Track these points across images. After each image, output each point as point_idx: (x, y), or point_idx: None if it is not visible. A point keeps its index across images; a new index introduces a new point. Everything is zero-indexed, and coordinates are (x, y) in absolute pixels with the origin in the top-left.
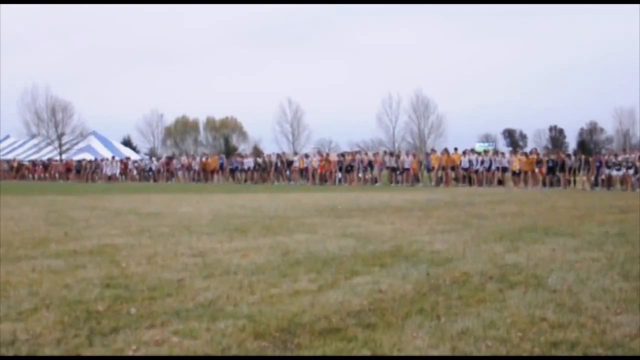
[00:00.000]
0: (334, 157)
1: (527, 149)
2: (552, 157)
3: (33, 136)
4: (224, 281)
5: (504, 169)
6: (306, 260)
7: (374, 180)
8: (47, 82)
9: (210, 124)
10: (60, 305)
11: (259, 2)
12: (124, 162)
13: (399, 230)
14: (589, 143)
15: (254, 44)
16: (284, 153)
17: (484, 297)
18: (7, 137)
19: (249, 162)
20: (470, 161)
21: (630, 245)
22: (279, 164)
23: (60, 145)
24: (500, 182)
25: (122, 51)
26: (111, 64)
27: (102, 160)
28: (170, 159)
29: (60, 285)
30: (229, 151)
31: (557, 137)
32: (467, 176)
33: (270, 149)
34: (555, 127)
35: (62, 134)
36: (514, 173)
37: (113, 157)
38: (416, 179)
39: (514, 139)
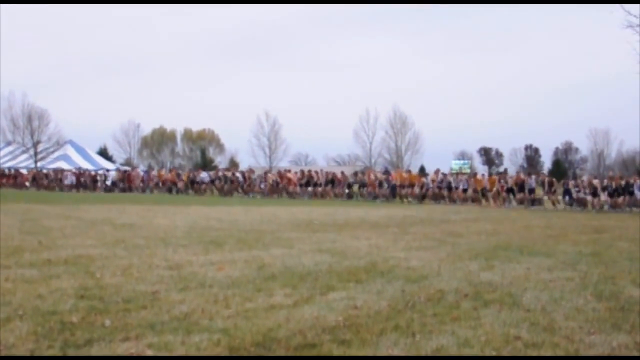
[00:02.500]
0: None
1: (502, 168)
2: (511, 178)
3: (8, 143)
4: (199, 294)
5: (464, 190)
6: (282, 275)
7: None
8: (23, 89)
9: (188, 135)
10: (34, 316)
11: (237, 13)
12: (79, 173)
13: (375, 246)
14: (563, 162)
15: (232, 57)
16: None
17: (459, 315)
18: None
19: (204, 177)
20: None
21: (603, 266)
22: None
23: (36, 154)
24: (474, 200)
25: (99, 60)
26: (88, 73)
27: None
28: (126, 172)
29: (33, 295)
30: (206, 163)
31: (532, 156)
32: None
33: (247, 161)
34: (530, 146)
35: (38, 142)
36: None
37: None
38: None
39: (489, 157)
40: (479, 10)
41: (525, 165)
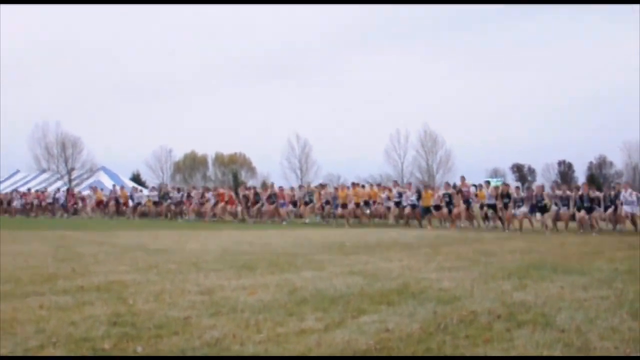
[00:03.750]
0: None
1: (536, 184)
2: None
3: (43, 171)
4: (230, 319)
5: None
6: (313, 298)
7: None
8: (57, 117)
9: (219, 159)
10: (67, 343)
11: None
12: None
13: (407, 267)
14: (598, 177)
15: (262, 80)
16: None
17: (492, 337)
18: (17, 172)
19: (139, 197)
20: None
21: (639, 283)
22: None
23: (70, 181)
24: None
25: (130, 87)
26: (120, 100)
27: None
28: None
29: (67, 322)
30: (238, 187)
31: (566, 171)
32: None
33: (279, 184)
34: (564, 161)
35: (72, 169)
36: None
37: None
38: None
39: (522, 173)
40: (505, 24)
41: (559, 181)
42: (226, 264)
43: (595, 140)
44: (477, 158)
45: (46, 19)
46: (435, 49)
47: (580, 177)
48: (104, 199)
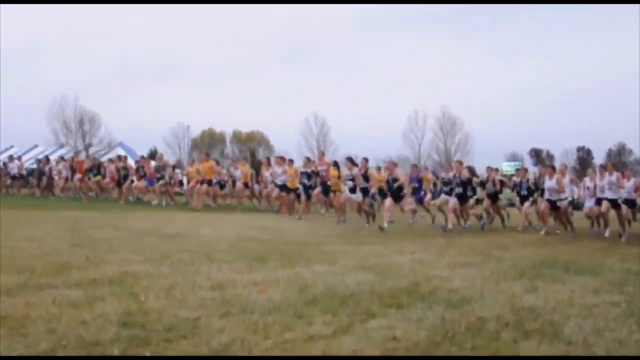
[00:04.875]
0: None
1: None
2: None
3: (61, 146)
4: (240, 321)
5: None
6: (323, 297)
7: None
8: (75, 92)
9: (237, 136)
10: (77, 347)
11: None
12: None
13: (419, 261)
14: (617, 164)
15: (281, 59)
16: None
17: (498, 349)
18: (36, 146)
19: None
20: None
21: None
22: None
23: (88, 156)
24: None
25: (148, 63)
26: (138, 76)
27: None
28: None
29: (78, 322)
30: (255, 164)
31: (584, 157)
32: None
33: (296, 163)
34: (583, 147)
35: (90, 145)
36: None
37: None
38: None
39: (540, 158)
40: (527, 9)
41: (577, 167)
42: (239, 255)
43: (615, 126)
44: (495, 142)
45: None
46: (456, 31)
47: (599, 163)
48: None
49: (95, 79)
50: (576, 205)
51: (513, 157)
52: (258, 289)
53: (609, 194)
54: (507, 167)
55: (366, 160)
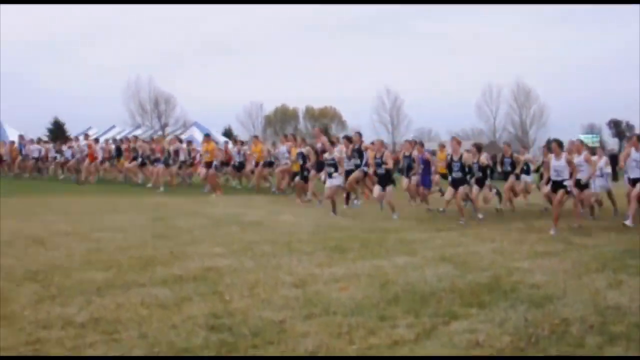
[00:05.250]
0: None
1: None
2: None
3: (137, 126)
4: (323, 324)
5: None
6: (405, 295)
7: None
8: (150, 73)
9: (310, 112)
10: (169, 352)
11: None
12: None
13: (499, 251)
14: None
15: (353, 33)
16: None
17: (583, 356)
18: (113, 127)
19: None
20: None
21: None
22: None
23: (164, 136)
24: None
25: (220, 41)
26: (211, 55)
27: None
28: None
29: (168, 325)
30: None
31: None
32: None
33: (369, 138)
34: None
35: (166, 125)
36: None
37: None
38: None
39: (619, 129)
40: None
41: None
42: (318, 245)
43: None
44: (572, 113)
45: None
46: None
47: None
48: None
49: (170, 60)
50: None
51: (591, 129)
52: (339, 285)
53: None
54: (585, 139)
55: (359, 134)
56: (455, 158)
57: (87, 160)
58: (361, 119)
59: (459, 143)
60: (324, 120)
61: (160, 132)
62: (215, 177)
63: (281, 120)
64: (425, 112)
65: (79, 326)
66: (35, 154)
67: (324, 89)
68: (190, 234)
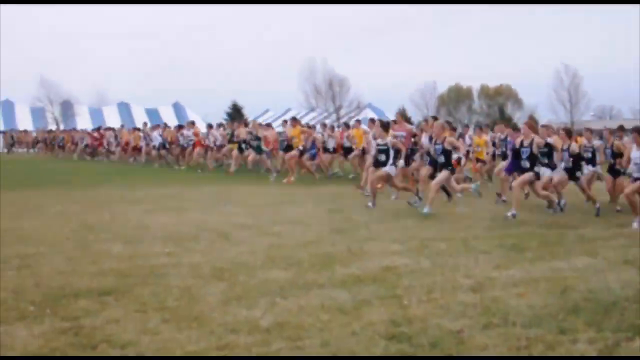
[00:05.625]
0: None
1: None
2: None
3: (312, 109)
4: (502, 336)
5: None
6: (586, 305)
7: None
8: (324, 55)
9: (484, 91)
10: None
11: None
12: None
13: None
14: None
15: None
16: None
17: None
18: (289, 109)
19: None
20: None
21: None
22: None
23: (338, 118)
24: None
25: (396, 18)
26: (384, 34)
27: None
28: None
29: (348, 332)
30: (504, 120)
31: None
32: None
33: (546, 117)
34: None
35: (340, 107)
36: None
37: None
38: None
39: None
40: None
41: None
42: (494, 242)
43: None
44: None
45: None
46: None
47: None
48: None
49: (343, 40)
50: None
51: None
52: (517, 291)
53: None
54: None
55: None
56: (526, 143)
57: (197, 148)
58: (538, 97)
59: (531, 127)
60: (499, 98)
61: (334, 115)
62: (295, 161)
63: (455, 100)
64: (606, 89)
65: (264, 331)
66: (157, 141)
67: (499, 66)
68: (367, 229)
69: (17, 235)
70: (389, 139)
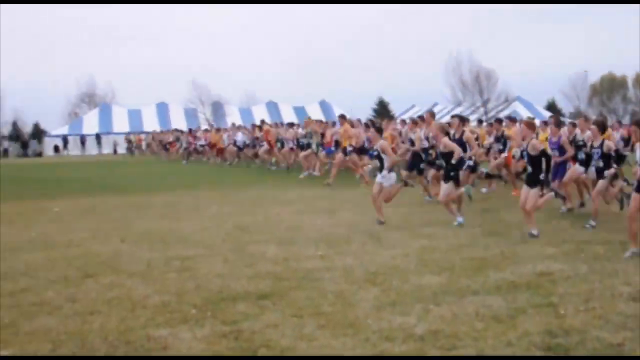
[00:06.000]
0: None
1: None
2: None
3: (459, 104)
4: None
5: None
6: None
7: None
8: (470, 49)
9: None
10: None
11: None
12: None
13: None
14: None
15: None
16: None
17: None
18: (436, 104)
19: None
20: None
21: None
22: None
23: (486, 112)
24: None
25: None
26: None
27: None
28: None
29: (504, 343)
30: None
31: None
32: None
33: None
34: None
35: (487, 101)
36: None
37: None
38: None
39: None
40: None
41: None
42: None
43: None
44: None
45: None
46: None
47: None
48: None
49: (489, 31)
50: None
51: None
52: None
53: None
54: None
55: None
56: (596, 144)
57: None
58: None
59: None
60: None
61: (481, 109)
62: (343, 163)
63: (608, 89)
64: None
65: (419, 339)
66: (240, 141)
67: None
68: (520, 230)
69: (177, 237)
70: (379, 144)
